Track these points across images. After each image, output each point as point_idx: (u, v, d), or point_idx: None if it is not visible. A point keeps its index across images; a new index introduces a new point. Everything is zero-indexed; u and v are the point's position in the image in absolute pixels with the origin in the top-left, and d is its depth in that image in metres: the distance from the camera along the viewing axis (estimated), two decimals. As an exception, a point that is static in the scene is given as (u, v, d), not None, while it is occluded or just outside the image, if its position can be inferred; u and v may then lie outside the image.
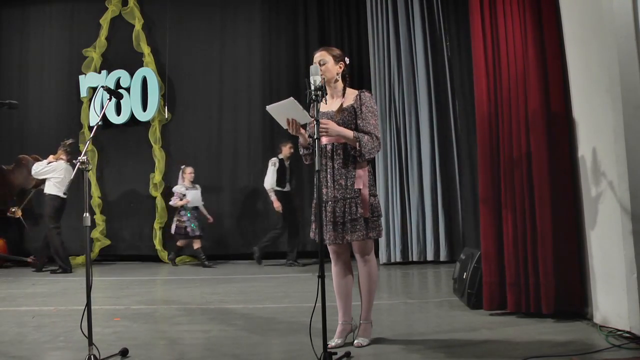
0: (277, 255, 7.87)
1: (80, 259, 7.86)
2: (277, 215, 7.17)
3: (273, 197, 7.08)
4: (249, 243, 7.99)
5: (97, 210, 8.06)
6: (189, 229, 7.34)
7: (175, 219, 7.45)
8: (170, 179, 8.16)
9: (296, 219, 7.35)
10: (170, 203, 7.51)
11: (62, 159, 7.09)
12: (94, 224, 7.81)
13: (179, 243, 7.53)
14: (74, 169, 2.79)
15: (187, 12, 8.40)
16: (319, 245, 2.69)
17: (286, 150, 7.19)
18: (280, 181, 7.10)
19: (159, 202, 8.03)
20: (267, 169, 7.20)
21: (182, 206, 7.39)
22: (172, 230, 7.50)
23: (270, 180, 7.09)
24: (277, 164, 7.11)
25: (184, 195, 7.44)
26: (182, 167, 7.60)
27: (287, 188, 7.23)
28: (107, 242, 8.06)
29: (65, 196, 7.05)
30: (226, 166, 8.23)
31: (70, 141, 7.24)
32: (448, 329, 3.41)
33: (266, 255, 7.89)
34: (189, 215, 7.38)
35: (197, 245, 7.39)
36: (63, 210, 7.19)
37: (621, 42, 3.03)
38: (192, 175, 7.55)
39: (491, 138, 3.78)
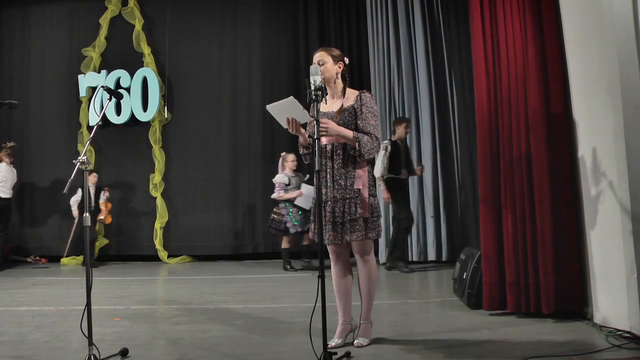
0: (276, 256, 7.87)
1: (81, 258, 7.87)
2: (392, 205, 6.27)
3: (382, 187, 6.10)
4: (248, 243, 8.01)
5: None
6: (289, 224, 6.42)
7: (273, 210, 6.59)
8: (170, 179, 8.17)
9: (410, 213, 6.41)
10: (273, 196, 6.58)
11: (5, 160, 7.18)
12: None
13: (284, 245, 6.57)
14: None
15: (187, 12, 8.40)
16: (319, 245, 2.69)
17: (401, 130, 6.26)
18: (394, 167, 6.14)
19: (160, 202, 8.03)
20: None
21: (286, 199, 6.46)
22: (268, 224, 6.65)
23: (379, 168, 6.07)
24: (389, 148, 6.13)
25: (287, 185, 6.50)
26: (283, 154, 6.74)
27: (404, 175, 6.28)
28: (105, 241, 8.06)
29: (8, 197, 7.13)
30: (226, 166, 8.22)
31: (12, 144, 7.31)
32: (448, 329, 3.41)
33: (267, 255, 7.90)
34: (290, 209, 6.46)
35: (306, 241, 6.57)
36: (6, 212, 7.23)
37: (621, 42, 3.03)
38: (295, 163, 6.59)
39: (491, 138, 3.78)
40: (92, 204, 7.58)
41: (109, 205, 7.82)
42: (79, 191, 7.49)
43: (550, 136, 3.58)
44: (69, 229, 7.79)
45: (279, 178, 6.55)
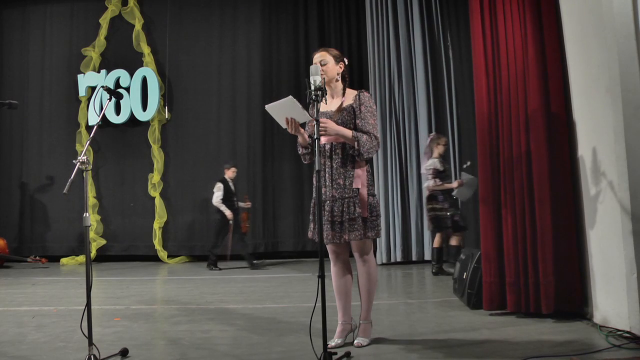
0: (276, 256, 7.88)
1: (80, 258, 7.87)
2: None
3: None
4: (248, 243, 7.98)
5: (91, 211, 8.05)
6: (457, 217, 5.50)
7: (428, 206, 5.62)
8: (169, 179, 8.17)
9: None
10: (427, 185, 5.62)
11: None
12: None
13: (437, 244, 5.57)
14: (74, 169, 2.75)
15: (187, 12, 8.41)
16: (318, 245, 2.69)
17: None
18: None
19: (158, 202, 8.03)
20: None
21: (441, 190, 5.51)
22: (429, 226, 5.70)
23: None
24: None
25: (442, 172, 5.54)
26: (432, 134, 5.89)
27: None
28: (103, 241, 8.06)
29: None
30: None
31: None
32: (448, 329, 3.41)
33: (267, 255, 7.89)
34: (447, 200, 5.50)
35: (455, 241, 5.62)
36: None
37: (621, 42, 3.03)
38: (446, 147, 5.72)
39: (491, 138, 3.78)
40: (235, 201, 7.07)
41: (245, 215, 7.21)
42: (220, 187, 6.93)
43: (550, 136, 3.58)
44: (228, 231, 6.99)
45: (433, 164, 5.56)
